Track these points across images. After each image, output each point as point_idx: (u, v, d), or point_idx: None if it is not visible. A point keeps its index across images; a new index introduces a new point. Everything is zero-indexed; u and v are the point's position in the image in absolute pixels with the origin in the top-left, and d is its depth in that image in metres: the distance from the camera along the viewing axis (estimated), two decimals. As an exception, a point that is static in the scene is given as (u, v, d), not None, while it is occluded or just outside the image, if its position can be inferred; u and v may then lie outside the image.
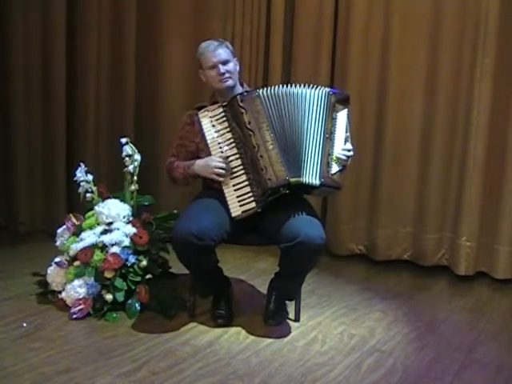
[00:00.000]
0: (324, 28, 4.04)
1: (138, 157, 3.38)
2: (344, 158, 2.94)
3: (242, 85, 3.16)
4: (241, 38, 4.15)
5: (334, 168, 2.91)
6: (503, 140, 3.77)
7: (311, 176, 2.87)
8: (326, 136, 2.91)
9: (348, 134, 3.02)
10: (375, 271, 4.06)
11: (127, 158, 3.37)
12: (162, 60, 4.48)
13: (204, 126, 2.97)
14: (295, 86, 2.96)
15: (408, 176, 4.05)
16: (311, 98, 2.94)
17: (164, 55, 4.48)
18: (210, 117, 2.97)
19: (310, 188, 2.91)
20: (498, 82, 3.73)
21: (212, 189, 3.05)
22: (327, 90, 2.99)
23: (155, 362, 2.70)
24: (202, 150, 3.07)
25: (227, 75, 3.03)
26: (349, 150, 2.96)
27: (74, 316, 3.08)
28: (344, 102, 3.03)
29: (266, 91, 2.94)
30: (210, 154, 2.97)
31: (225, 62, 3.03)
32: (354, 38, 3.98)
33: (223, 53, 3.05)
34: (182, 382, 2.55)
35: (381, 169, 4.06)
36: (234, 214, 2.90)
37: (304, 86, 2.97)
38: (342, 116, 2.99)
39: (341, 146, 2.95)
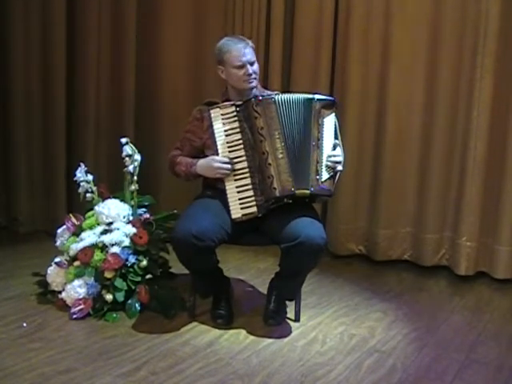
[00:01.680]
0: (324, 28, 4.04)
1: (137, 157, 3.37)
2: (331, 164, 2.91)
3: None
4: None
5: (325, 175, 2.89)
6: (503, 140, 3.77)
7: (303, 185, 2.85)
8: (313, 144, 2.89)
9: (338, 139, 2.99)
10: (375, 271, 4.06)
11: (127, 158, 3.37)
12: (162, 60, 4.49)
13: (214, 123, 2.95)
14: (292, 95, 2.93)
15: (408, 176, 4.05)
16: (297, 105, 2.91)
17: (164, 55, 4.48)
18: (222, 114, 2.94)
19: (304, 197, 2.90)
20: (498, 82, 3.73)
21: (213, 188, 3.05)
22: (310, 96, 2.93)
23: (155, 361, 2.70)
24: (208, 146, 3.05)
25: (253, 76, 3.00)
26: (336, 156, 2.93)
27: (74, 316, 3.08)
28: (330, 106, 2.97)
29: (282, 98, 2.91)
30: (216, 152, 2.96)
31: (252, 63, 3.01)
32: (354, 38, 3.98)
33: (250, 53, 3.02)
34: (181, 382, 2.55)
35: (381, 169, 4.06)
36: (233, 216, 2.90)
37: (295, 93, 2.95)
38: (328, 121, 2.95)
39: (328, 153, 2.91)
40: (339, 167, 2.95)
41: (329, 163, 2.90)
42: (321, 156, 2.90)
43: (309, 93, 2.98)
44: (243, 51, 2.99)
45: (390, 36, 3.94)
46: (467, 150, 3.81)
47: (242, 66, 2.98)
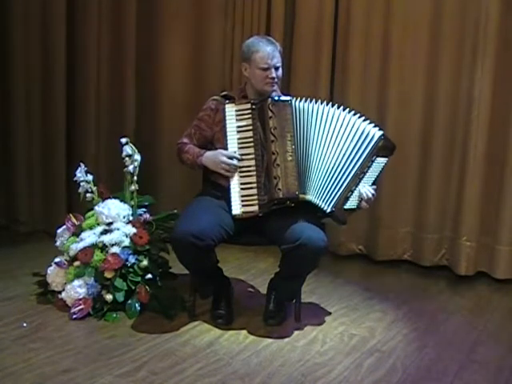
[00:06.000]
0: (324, 28, 4.04)
1: (137, 157, 3.37)
2: (365, 195, 2.90)
3: None
4: (240, 39, 4.14)
5: (349, 204, 2.90)
6: (503, 140, 3.77)
7: (325, 201, 2.87)
8: (356, 173, 2.88)
9: (375, 183, 2.99)
10: (375, 271, 4.06)
11: (127, 158, 3.37)
12: (162, 60, 4.48)
13: (228, 118, 2.95)
14: (342, 110, 2.93)
15: (408, 176, 4.05)
16: (359, 130, 2.90)
17: (164, 55, 4.48)
18: (236, 110, 2.95)
19: (318, 210, 2.90)
20: (498, 81, 3.73)
21: (215, 186, 3.05)
22: (380, 132, 2.92)
23: (155, 361, 2.70)
24: (218, 139, 3.05)
25: (276, 80, 3.00)
26: (372, 194, 2.94)
27: (74, 316, 3.08)
28: (389, 151, 2.97)
29: (300, 103, 2.92)
30: (226, 147, 2.96)
31: (277, 68, 3.00)
32: (354, 38, 3.97)
33: (277, 58, 3.00)
34: (181, 382, 2.55)
35: (381, 169, 4.06)
36: (234, 212, 2.91)
37: (354, 114, 2.93)
38: (379, 162, 2.95)
39: (367, 186, 2.92)
40: (366, 204, 2.94)
41: (363, 193, 2.90)
42: (356, 187, 2.90)
43: (376, 125, 2.96)
44: (272, 54, 2.97)
45: (390, 36, 3.94)
46: (467, 149, 3.81)
47: (267, 69, 2.97)
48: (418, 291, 3.73)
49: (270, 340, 2.95)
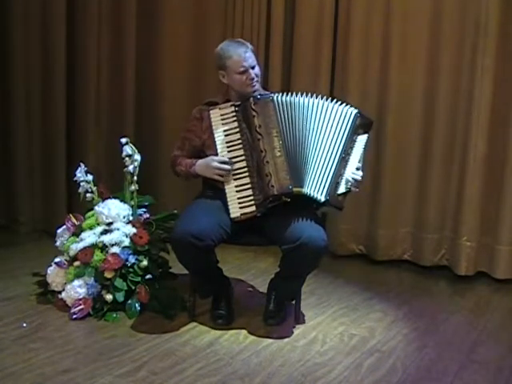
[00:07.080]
0: (324, 28, 4.04)
1: (137, 157, 3.37)
2: (352, 180, 2.92)
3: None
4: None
5: (341, 189, 2.91)
6: (504, 140, 3.77)
7: (318, 191, 2.87)
8: (342, 156, 2.89)
9: (361, 161, 3.00)
10: (375, 271, 4.06)
11: (127, 158, 3.37)
12: (162, 60, 4.49)
13: (214, 123, 2.95)
14: (320, 98, 2.93)
15: (408, 176, 4.05)
16: (337, 114, 2.92)
17: (164, 55, 4.48)
18: (221, 115, 2.95)
19: (313, 202, 2.90)
20: (498, 81, 3.73)
21: (213, 188, 3.05)
22: (355, 110, 2.94)
23: (155, 361, 2.70)
24: (208, 146, 3.05)
25: (256, 79, 3.00)
26: (358, 176, 2.94)
27: (74, 316, 3.08)
28: (367, 126, 2.99)
29: (281, 97, 2.92)
30: (216, 152, 2.96)
31: (254, 67, 3.00)
32: (355, 37, 3.98)
33: (251, 57, 3.00)
34: (181, 382, 2.55)
35: (381, 169, 4.06)
36: (232, 215, 2.90)
37: (331, 100, 2.94)
38: (361, 140, 2.97)
39: (352, 169, 2.93)
40: (356, 189, 2.96)
41: (350, 180, 2.91)
42: (344, 170, 2.91)
43: (351, 105, 2.98)
44: (244, 56, 2.98)
45: (391, 35, 3.94)
46: (467, 149, 3.81)
47: (245, 72, 2.98)
48: (418, 291, 3.73)
49: (270, 340, 2.95)
